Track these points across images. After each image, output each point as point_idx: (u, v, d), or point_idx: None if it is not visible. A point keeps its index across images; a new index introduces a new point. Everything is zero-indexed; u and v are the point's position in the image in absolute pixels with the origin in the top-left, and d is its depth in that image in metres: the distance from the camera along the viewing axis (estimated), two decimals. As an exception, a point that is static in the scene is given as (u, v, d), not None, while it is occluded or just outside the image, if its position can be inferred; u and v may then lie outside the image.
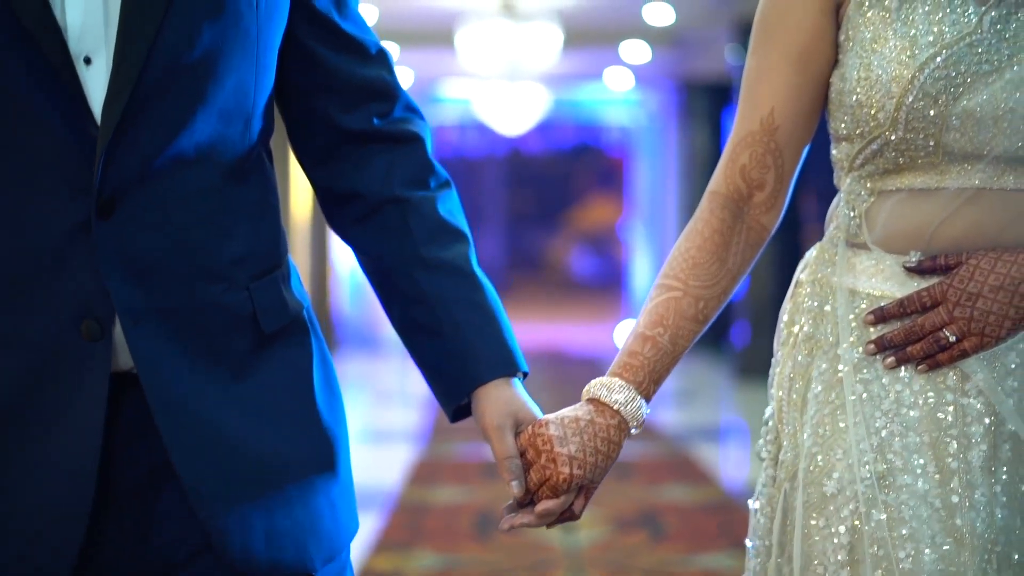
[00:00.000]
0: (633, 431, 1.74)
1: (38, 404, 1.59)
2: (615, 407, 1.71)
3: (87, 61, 1.59)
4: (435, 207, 1.77)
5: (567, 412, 1.72)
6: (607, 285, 26.90)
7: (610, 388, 1.72)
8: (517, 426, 1.72)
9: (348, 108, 1.78)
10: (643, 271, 17.48)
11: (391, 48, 13.23)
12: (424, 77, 15.57)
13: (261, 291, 1.70)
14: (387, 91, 1.79)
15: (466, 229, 1.80)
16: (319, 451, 1.70)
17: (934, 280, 1.69)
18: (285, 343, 1.71)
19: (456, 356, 1.73)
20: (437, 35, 11.88)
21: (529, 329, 17.60)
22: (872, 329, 1.71)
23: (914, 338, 1.68)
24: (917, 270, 1.70)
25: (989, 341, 1.66)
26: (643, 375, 1.73)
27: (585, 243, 31.24)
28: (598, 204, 30.64)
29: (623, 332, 16.51)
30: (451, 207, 1.79)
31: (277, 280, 1.72)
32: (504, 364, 1.73)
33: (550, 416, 1.71)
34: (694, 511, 6.31)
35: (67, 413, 1.59)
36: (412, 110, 1.81)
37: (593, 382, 1.74)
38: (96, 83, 1.59)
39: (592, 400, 1.72)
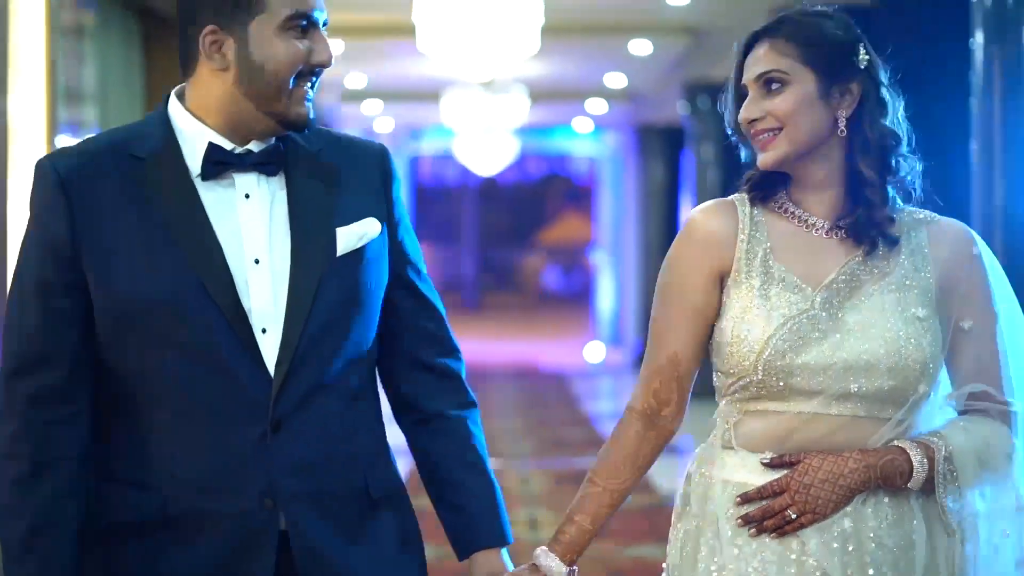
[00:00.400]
0: None
1: (236, 554, 2.11)
2: (545, 572, 2.23)
3: (263, 331, 2.11)
4: (473, 425, 2.30)
5: (521, 571, 2.25)
6: (577, 298, 26.97)
7: (546, 557, 2.23)
8: None
9: (421, 347, 2.29)
10: (607, 293, 17.90)
11: (376, 105, 13.61)
12: (406, 124, 16.30)
13: (373, 472, 2.21)
14: (443, 339, 2.31)
15: (484, 440, 2.31)
16: None
17: (783, 472, 2.14)
18: (387, 509, 2.23)
19: (462, 527, 2.27)
20: (424, 96, 12.63)
21: (501, 347, 17.77)
22: (741, 508, 2.16)
23: (768, 516, 2.13)
24: (771, 465, 2.15)
25: (819, 516, 2.12)
26: (565, 548, 2.23)
27: (556, 260, 31.40)
28: (568, 222, 30.68)
29: (592, 351, 16.50)
30: (479, 424, 2.31)
31: (383, 463, 2.25)
32: (501, 538, 2.27)
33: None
34: (630, 511, 7.06)
35: (253, 558, 2.12)
36: (457, 353, 2.33)
37: (538, 550, 2.24)
38: (268, 347, 2.11)
39: (532, 565, 2.23)
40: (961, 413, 2.20)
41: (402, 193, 2.30)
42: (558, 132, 18.40)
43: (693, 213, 2.28)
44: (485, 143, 13.52)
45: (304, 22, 2.10)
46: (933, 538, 2.16)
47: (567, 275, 31.32)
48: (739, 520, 2.15)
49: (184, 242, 2.07)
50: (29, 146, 5.64)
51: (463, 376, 2.32)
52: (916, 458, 2.11)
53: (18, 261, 2.13)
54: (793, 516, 2.12)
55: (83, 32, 7.01)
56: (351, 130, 7.87)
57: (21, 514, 2.08)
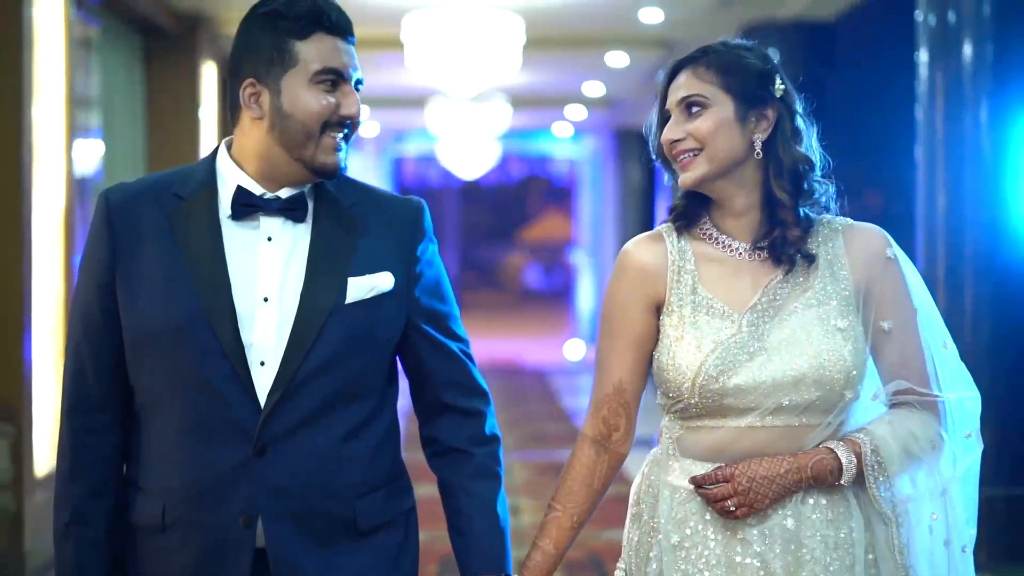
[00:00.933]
0: None
1: (214, 565, 2.20)
2: None
3: (262, 364, 2.18)
4: (484, 459, 2.34)
5: None
6: (558, 295, 26.76)
7: None
8: None
9: (441, 390, 2.34)
10: (587, 292, 17.92)
11: (363, 111, 14.14)
12: (391, 128, 16.28)
13: (363, 504, 2.24)
14: (466, 380, 2.35)
15: (500, 474, 2.34)
16: None
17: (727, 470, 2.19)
18: (377, 536, 2.27)
19: (462, 551, 2.33)
20: (410, 102, 12.78)
21: (484, 344, 17.25)
22: (687, 504, 2.24)
23: (713, 501, 2.19)
24: (702, 478, 2.22)
25: (754, 511, 2.18)
26: (533, 572, 2.29)
27: (537, 258, 31.27)
28: (548, 221, 30.53)
29: (571, 349, 16.34)
30: (494, 457, 2.35)
31: (378, 497, 2.27)
32: (493, 564, 2.30)
33: None
34: (605, 499, 7.32)
35: (228, 570, 2.20)
36: (481, 393, 2.36)
37: None
38: (264, 378, 2.18)
39: None
40: (891, 407, 2.27)
41: (434, 249, 2.35)
42: (539, 136, 18.39)
43: (625, 247, 2.33)
44: (468, 148, 13.67)
45: (333, 77, 2.18)
46: (872, 529, 2.24)
47: (548, 273, 31.14)
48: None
49: (198, 277, 2.18)
50: (51, 149, 6.03)
51: (487, 413, 2.37)
52: (843, 455, 2.19)
53: (77, 281, 2.30)
54: (732, 508, 2.19)
55: (90, 45, 7.30)
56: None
57: (64, 506, 2.27)
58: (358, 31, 2.31)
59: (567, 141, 18.77)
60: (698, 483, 2.22)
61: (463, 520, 2.32)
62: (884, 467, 2.19)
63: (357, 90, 2.23)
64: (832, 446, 2.20)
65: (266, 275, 2.20)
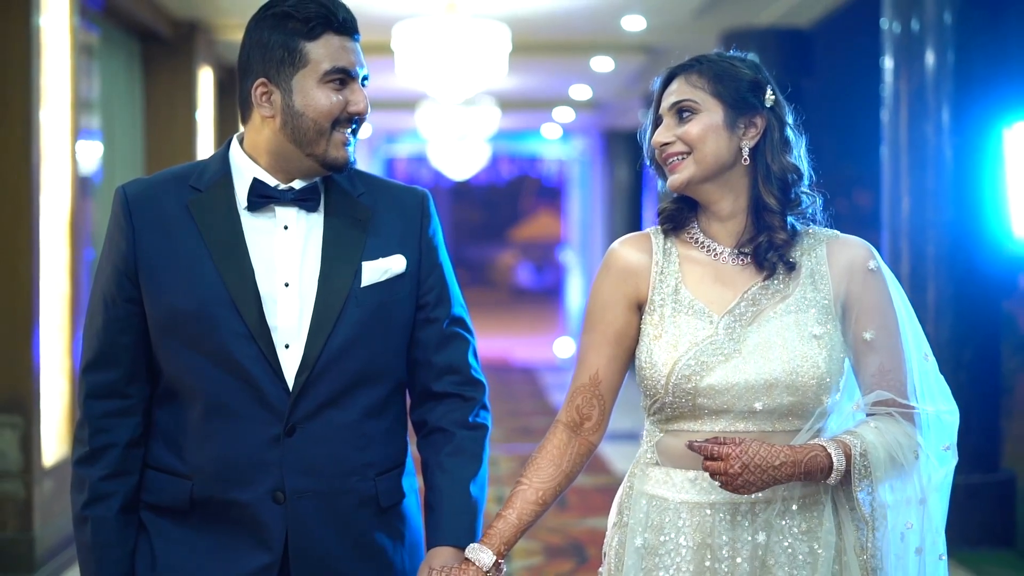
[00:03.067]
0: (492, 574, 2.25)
1: (248, 541, 2.25)
2: (477, 564, 2.24)
3: (287, 346, 2.24)
4: (464, 440, 2.35)
5: (453, 564, 2.26)
6: (549, 293, 26.89)
7: (475, 551, 2.25)
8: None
9: (436, 377, 2.38)
10: (576, 290, 17.97)
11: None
12: (382, 129, 16.37)
13: (383, 482, 2.32)
14: (462, 368, 2.38)
15: (480, 458, 2.35)
16: None
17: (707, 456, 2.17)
18: (394, 513, 2.35)
19: (431, 524, 2.34)
20: (400, 105, 12.95)
21: (477, 342, 17.70)
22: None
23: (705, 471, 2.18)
24: (693, 448, 2.18)
25: (742, 494, 2.17)
26: (496, 541, 2.26)
27: (528, 256, 31.30)
28: (539, 220, 30.64)
29: (561, 347, 16.45)
30: (476, 441, 2.36)
31: (396, 475, 2.34)
32: (456, 538, 2.30)
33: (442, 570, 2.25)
34: (586, 489, 7.23)
35: (262, 547, 2.25)
36: (476, 383, 2.39)
37: (471, 545, 2.26)
38: (290, 360, 2.24)
39: (466, 559, 2.25)
40: (869, 416, 2.26)
41: (441, 237, 2.41)
42: (528, 137, 18.39)
43: (612, 246, 2.36)
44: (458, 150, 13.75)
45: (342, 76, 2.24)
46: (844, 534, 2.26)
47: (539, 272, 31.11)
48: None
49: (222, 264, 2.23)
50: (57, 151, 6.19)
51: (478, 401, 2.41)
52: (835, 454, 2.17)
53: (96, 271, 2.33)
54: (719, 486, 2.20)
55: (91, 51, 7.52)
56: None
57: (81, 489, 2.31)
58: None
59: (556, 142, 18.83)
60: (694, 451, 2.20)
61: (433, 495, 2.35)
62: (870, 471, 2.19)
63: (363, 86, 2.29)
64: (825, 444, 2.19)
65: (285, 261, 2.25)
